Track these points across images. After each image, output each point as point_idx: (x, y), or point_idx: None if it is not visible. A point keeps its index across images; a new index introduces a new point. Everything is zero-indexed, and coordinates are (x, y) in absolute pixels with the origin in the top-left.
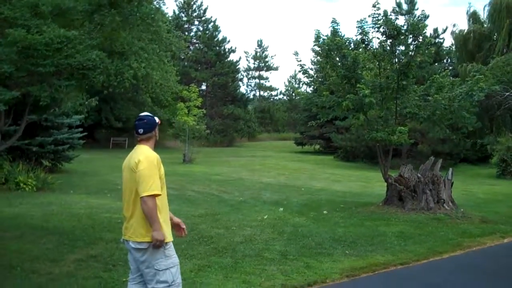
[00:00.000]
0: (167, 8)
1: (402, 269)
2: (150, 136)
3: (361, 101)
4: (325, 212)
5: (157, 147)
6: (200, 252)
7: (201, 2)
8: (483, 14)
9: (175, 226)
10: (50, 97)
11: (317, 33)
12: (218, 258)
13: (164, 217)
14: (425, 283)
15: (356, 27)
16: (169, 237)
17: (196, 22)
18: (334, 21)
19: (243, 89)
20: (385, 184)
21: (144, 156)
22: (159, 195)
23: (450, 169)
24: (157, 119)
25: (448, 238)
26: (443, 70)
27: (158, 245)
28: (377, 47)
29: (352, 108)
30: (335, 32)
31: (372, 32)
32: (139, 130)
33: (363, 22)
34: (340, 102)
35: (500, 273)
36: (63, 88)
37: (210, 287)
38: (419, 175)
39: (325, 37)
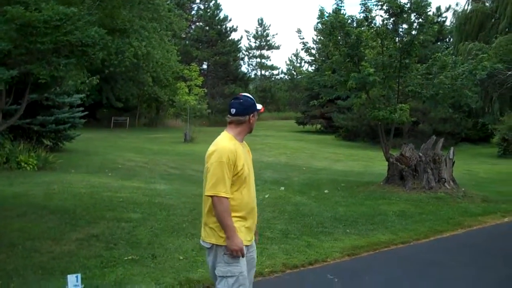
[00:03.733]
0: None
1: (403, 248)
2: (242, 120)
3: (365, 80)
4: (326, 191)
5: (157, 127)
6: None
7: None
8: None
9: None
10: (49, 75)
11: (321, 9)
12: None
13: (244, 217)
14: (425, 262)
15: (360, 4)
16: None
17: (198, 1)
18: None
19: (244, 68)
20: (387, 163)
21: (215, 148)
22: (224, 198)
23: (452, 148)
24: (259, 106)
25: (448, 217)
26: (445, 48)
27: (234, 255)
28: (380, 25)
29: (355, 87)
30: (338, 10)
31: (376, 10)
32: (232, 110)
33: None
34: (342, 81)
35: (500, 252)
36: (62, 66)
37: None
38: (420, 154)
39: (329, 14)
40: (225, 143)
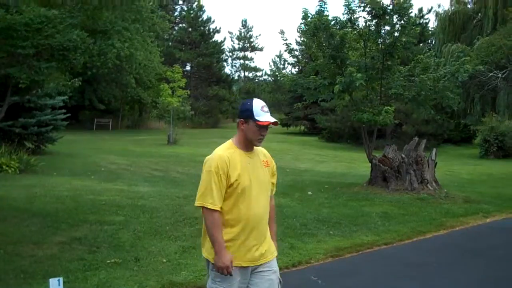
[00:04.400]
0: None
1: (386, 249)
2: (237, 124)
3: (350, 82)
4: (309, 193)
5: (140, 129)
6: (185, 233)
7: None
8: None
9: None
10: (29, 79)
11: (305, 10)
12: None
13: (243, 233)
14: (408, 263)
15: (343, 6)
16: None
17: (180, 2)
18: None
19: (227, 69)
20: (370, 164)
21: (209, 156)
22: (212, 210)
23: (434, 149)
24: (262, 117)
25: (431, 218)
26: (427, 50)
27: (220, 272)
28: (362, 27)
29: (342, 91)
30: (321, 12)
31: (358, 12)
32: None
33: (350, 0)
34: (326, 84)
35: (482, 253)
36: (43, 70)
37: (195, 268)
38: (403, 155)
39: (312, 16)
40: (220, 151)
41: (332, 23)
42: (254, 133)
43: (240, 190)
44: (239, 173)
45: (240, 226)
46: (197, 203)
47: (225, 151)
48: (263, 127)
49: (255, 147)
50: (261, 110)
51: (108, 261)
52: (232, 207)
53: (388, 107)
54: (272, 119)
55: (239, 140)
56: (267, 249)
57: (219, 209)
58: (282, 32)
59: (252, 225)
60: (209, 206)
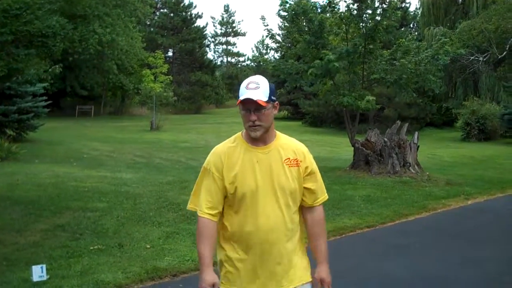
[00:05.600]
0: None
1: (369, 232)
2: None
3: (327, 66)
4: None
5: (123, 115)
6: (168, 219)
7: None
8: None
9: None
10: (8, 67)
11: None
12: (186, 224)
13: (243, 252)
14: (391, 245)
15: None
16: (222, 282)
17: None
18: None
19: (210, 55)
20: (352, 148)
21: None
22: (199, 216)
23: (416, 133)
24: (241, 96)
25: (413, 200)
26: (409, 34)
27: None
28: (344, 11)
29: (319, 74)
30: None
31: None
32: None
33: None
34: (306, 70)
35: (463, 234)
36: (22, 57)
37: (179, 253)
38: (385, 139)
39: (291, 2)
40: (221, 144)
41: (312, 7)
42: (243, 118)
43: (240, 196)
44: (236, 173)
45: (243, 244)
46: (188, 206)
47: (226, 144)
48: (248, 110)
49: (277, 140)
50: (245, 88)
51: (92, 248)
52: (234, 218)
53: (370, 97)
54: (246, 96)
55: (245, 131)
56: (288, 277)
57: (206, 216)
58: (263, 18)
59: (258, 243)
60: (199, 213)
